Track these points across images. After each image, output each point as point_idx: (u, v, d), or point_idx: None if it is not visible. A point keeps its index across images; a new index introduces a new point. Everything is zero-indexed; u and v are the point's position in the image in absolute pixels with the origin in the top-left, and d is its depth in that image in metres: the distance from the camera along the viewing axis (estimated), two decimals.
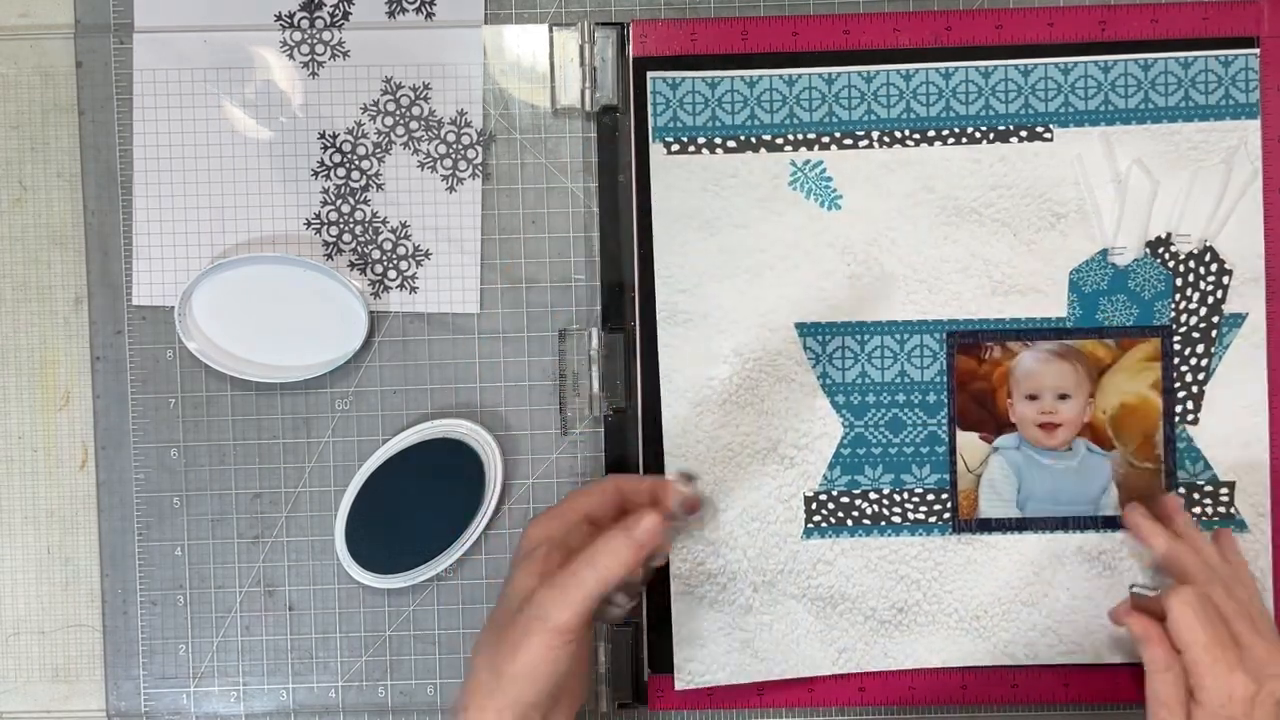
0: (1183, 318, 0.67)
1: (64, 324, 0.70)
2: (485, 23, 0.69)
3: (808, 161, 0.67)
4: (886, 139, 0.67)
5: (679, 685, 0.67)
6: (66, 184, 0.70)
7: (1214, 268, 0.67)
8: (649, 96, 0.67)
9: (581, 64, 0.68)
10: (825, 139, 0.67)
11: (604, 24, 0.68)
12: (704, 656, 0.67)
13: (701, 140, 0.67)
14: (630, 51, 0.67)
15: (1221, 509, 0.67)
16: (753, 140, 0.67)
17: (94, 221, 0.69)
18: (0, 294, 0.70)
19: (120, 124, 0.69)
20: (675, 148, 0.67)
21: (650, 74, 0.67)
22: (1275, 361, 0.67)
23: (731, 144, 0.67)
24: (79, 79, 0.69)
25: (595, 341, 0.68)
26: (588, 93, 0.67)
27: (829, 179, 0.67)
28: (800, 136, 0.67)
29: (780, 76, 0.67)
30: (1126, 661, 0.67)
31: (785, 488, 0.67)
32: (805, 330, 0.67)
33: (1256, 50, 0.66)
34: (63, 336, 0.70)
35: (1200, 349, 0.67)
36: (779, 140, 0.67)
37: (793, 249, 0.67)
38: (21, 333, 0.70)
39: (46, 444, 0.70)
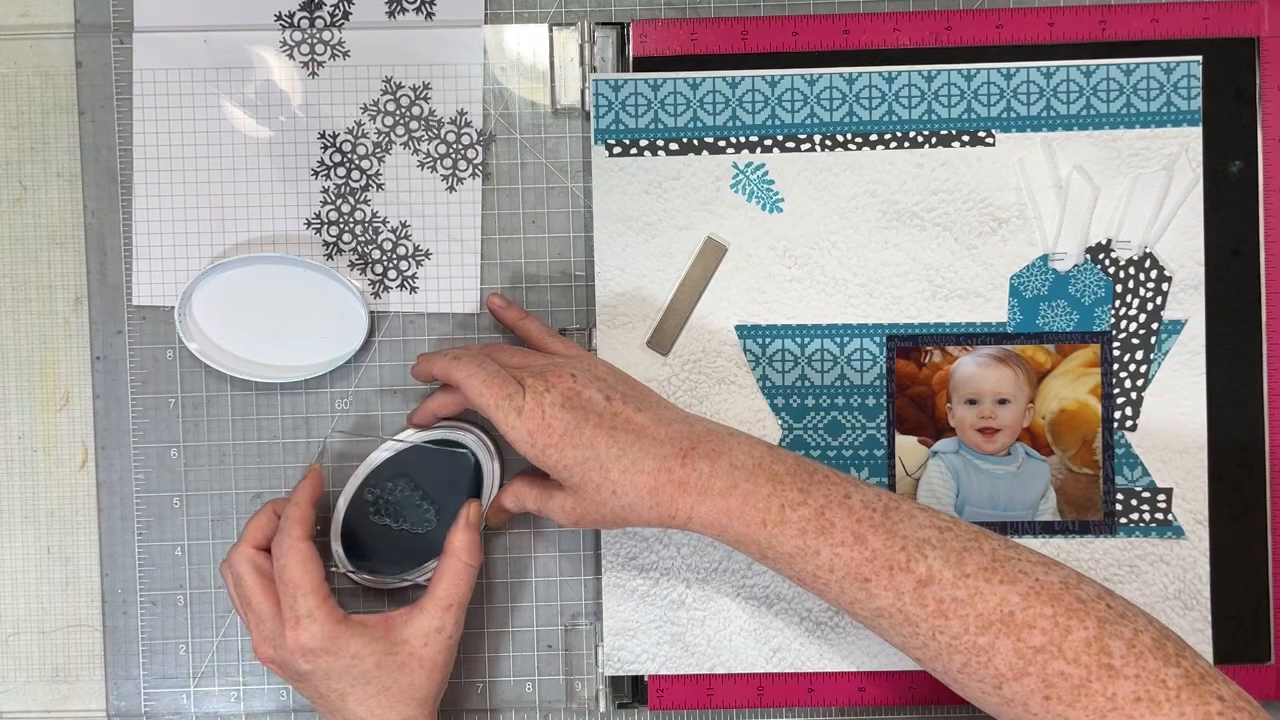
0: (1122, 324, 0.67)
1: (64, 324, 0.70)
2: (485, 23, 0.69)
3: (750, 164, 0.67)
4: (829, 142, 0.67)
5: (608, 672, 0.67)
6: (66, 184, 0.70)
7: (1154, 274, 0.67)
8: (592, 99, 0.67)
9: (581, 64, 0.68)
10: (768, 141, 0.67)
11: (604, 24, 0.68)
12: (634, 646, 0.67)
13: (644, 143, 0.67)
14: (630, 51, 0.67)
15: (1159, 515, 0.67)
16: (695, 143, 0.67)
17: (94, 221, 0.69)
18: (0, 294, 0.70)
19: (120, 124, 0.69)
20: (617, 150, 0.67)
21: (593, 76, 0.67)
22: (1214, 368, 0.67)
23: (674, 146, 0.67)
24: (79, 79, 0.69)
25: (595, 341, 0.68)
26: (588, 93, 0.67)
27: (771, 181, 0.67)
28: (743, 139, 0.67)
29: (723, 78, 0.67)
30: None
31: None
32: (745, 332, 0.67)
33: (1199, 59, 0.66)
34: (63, 336, 0.70)
35: (1139, 355, 0.67)
36: (721, 142, 0.67)
37: (734, 251, 0.67)
38: (21, 333, 0.70)
39: (46, 444, 0.70)
